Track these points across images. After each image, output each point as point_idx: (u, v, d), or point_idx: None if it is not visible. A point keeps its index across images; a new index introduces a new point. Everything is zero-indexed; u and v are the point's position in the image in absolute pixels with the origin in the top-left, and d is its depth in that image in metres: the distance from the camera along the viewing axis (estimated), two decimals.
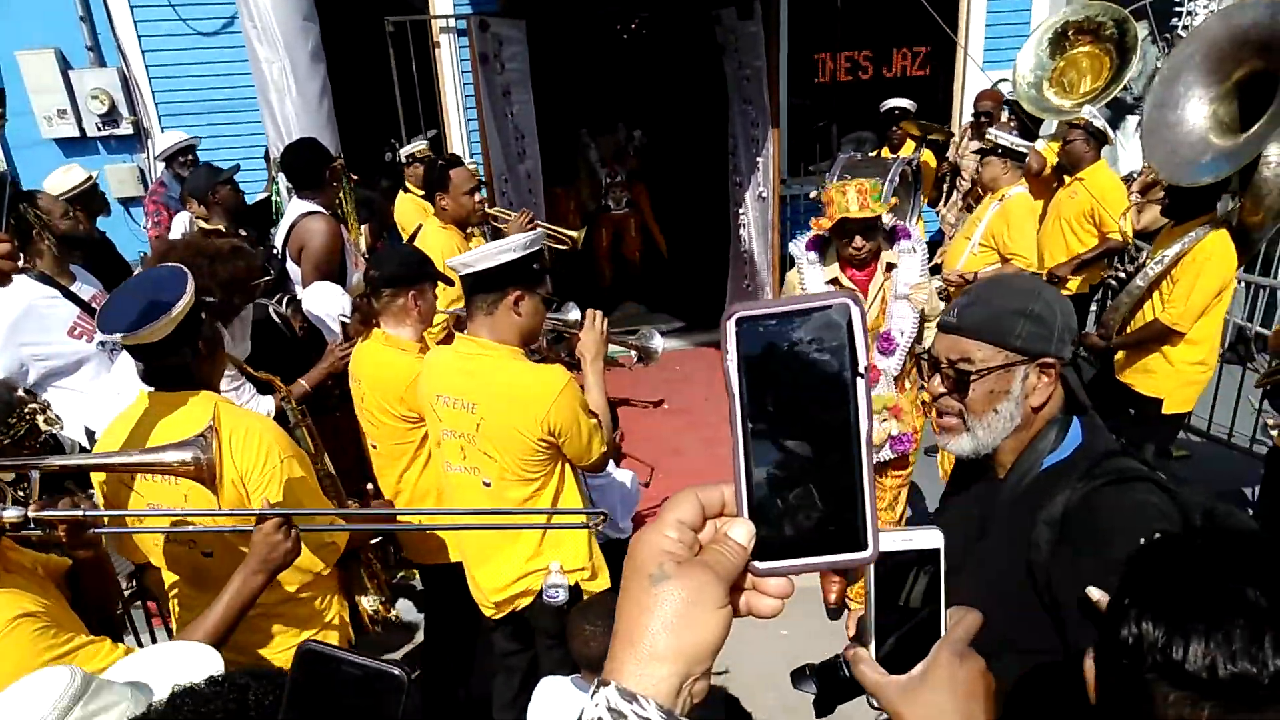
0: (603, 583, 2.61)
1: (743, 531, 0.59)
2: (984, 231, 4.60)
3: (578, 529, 2.53)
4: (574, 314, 2.97)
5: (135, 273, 2.84)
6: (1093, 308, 5.02)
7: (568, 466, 2.52)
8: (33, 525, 1.64)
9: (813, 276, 3.37)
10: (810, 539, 0.59)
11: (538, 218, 5.09)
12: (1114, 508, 1.38)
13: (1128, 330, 3.91)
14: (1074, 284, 4.76)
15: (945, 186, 6.23)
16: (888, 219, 3.34)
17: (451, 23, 6.35)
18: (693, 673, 0.57)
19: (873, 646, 0.78)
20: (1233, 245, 3.52)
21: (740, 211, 7.00)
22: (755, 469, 0.59)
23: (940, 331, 1.61)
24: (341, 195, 4.34)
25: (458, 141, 6.64)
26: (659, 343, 3.39)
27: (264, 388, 2.76)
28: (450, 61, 6.50)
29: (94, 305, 3.29)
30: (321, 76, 4.12)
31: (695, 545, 0.60)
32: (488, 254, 2.33)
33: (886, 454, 3.43)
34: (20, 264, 3.13)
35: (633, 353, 3.36)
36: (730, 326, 0.57)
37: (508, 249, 2.32)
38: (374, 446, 2.92)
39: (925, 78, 7.36)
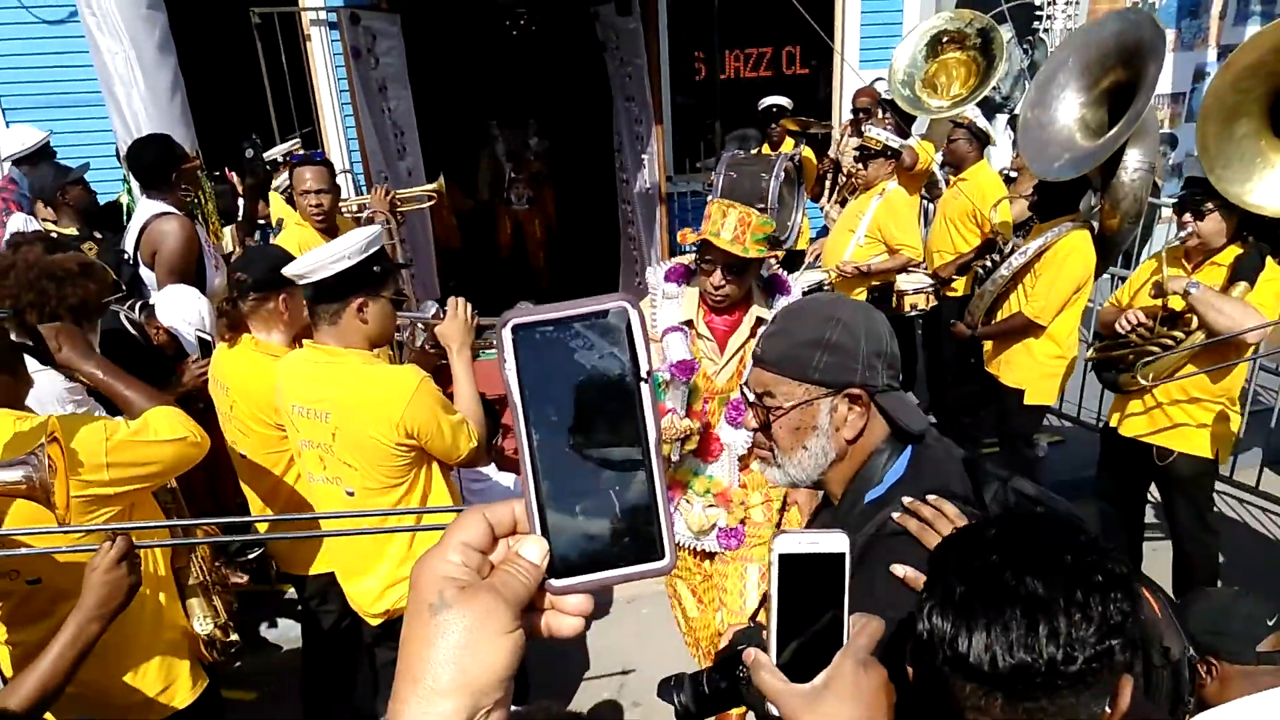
0: None
1: (535, 549, 0.55)
2: (869, 224, 4.70)
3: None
4: (432, 310, 2.86)
5: None
6: None
7: (435, 467, 2.43)
8: None
9: (666, 313, 2.69)
10: (606, 552, 0.56)
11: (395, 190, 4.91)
12: (880, 560, 1.32)
13: (993, 321, 4.06)
14: (959, 285, 4.91)
15: (827, 182, 6.36)
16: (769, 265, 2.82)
17: (322, 15, 6.11)
18: (481, 705, 0.52)
19: (773, 652, 0.76)
20: (1092, 244, 3.69)
21: (629, 208, 7.01)
22: (544, 482, 0.55)
23: (751, 363, 1.54)
24: (200, 195, 4.11)
25: (334, 139, 6.40)
26: (432, 308, 3.27)
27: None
28: (323, 56, 6.25)
29: None
30: (172, 68, 3.87)
31: (484, 567, 0.55)
32: (321, 262, 2.19)
33: (711, 544, 2.77)
34: None
35: (419, 326, 3.24)
36: (506, 334, 0.54)
37: (342, 255, 2.18)
38: (242, 456, 2.76)
39: (805, 76, 7.50)
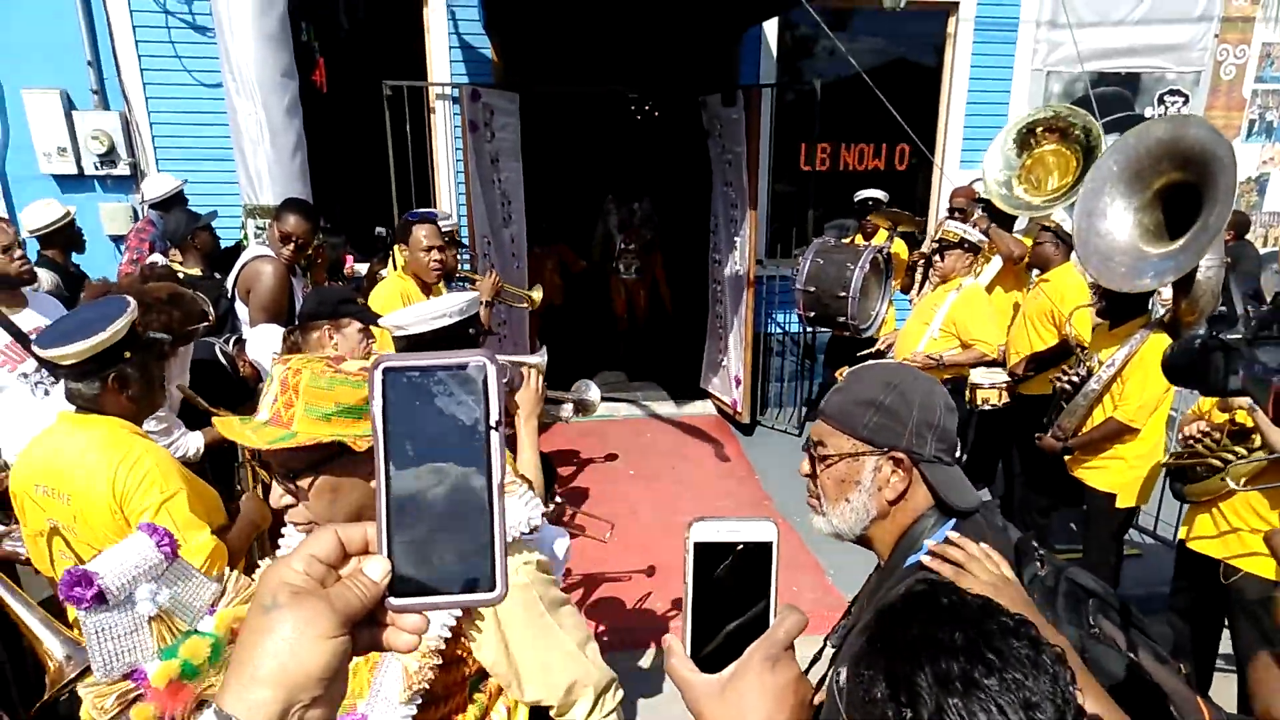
0: None
1: (377, 568, 0.61)
2: (944, 318, 4.71)
3: None
4: (541, 358, 3.00)
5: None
6: None
7: None
8: None
9: None
10: (445, 579, 0.62)
11: (510, 279, 5.18)
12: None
13: (1081, 431, 3.99)
14: (1036, 384, 4.84)
15: (917, 275, 6.38)
16: None
17: (448, 90, 6.57)
18: (297, 700, 0.57)
19: (688, 640, 0.75)
20: None
21: (718, 288, 7.16)
22: (395, 510, 0.61)
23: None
24: (315, 251, 4.45)
25: (447, 202, 6.80)
26: (595, 394, 3.43)
27: (198, 424, 2.82)
28: (444, 127, 6.71)
29: (33, 336, 3.25)
30: (296, 130, 4.25)
31: (328, 578, 0.61)
32: (421, 317, 2.34)
33: None
34: None
35: (570, 406, 3.39)
36: (377, 375, 0.60)
37: (443, 314, 2.34)
38: None
39: (905, 172, 7.61)
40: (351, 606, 0.60)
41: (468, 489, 0.61)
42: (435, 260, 4.13)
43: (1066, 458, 4.08)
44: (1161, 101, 7.41)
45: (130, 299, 2.19)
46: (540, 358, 3.00)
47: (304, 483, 1.32)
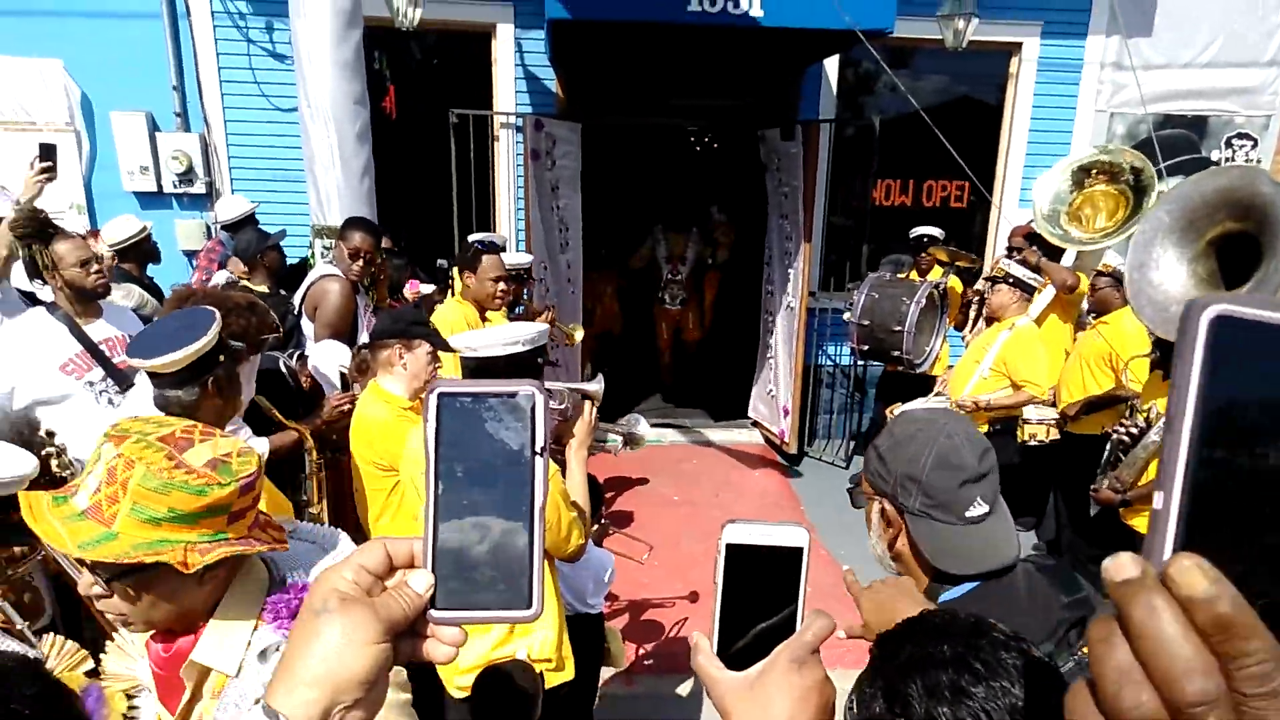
0: (567, 675, 2.60)
1: (421, 581, 0.64)
2: (995, 358, 4.68)
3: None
4: (598, 385, 3.05)
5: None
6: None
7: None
8: None
9: None
10: (484, 594, 0.65)
11: (565, 304, 5.29)
12: None
13: (1137, 484, 3.92)
14: (1086, 424, 4.77)
15: (971, 312, 6.34)
16: None
17: (512, 119, 6.75)
18: (340, 701, 0.61)
19: (715, 638, 0.76)
20: None
21: (770, 318, 7.19)
22: (442, 527, 0.64)
23: None
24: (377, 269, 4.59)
25: (506, 228, 6.96)
26: (645, 429, 3.49)
27: (262, 430, 2.93)
28: (506, 155, 6.88)
29: (105, 347, 3.41)
30: (366, 156, 4.41)
31: (375, 588, 0.65)
32: (494, 342, 2.38)
33: None
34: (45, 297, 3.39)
35: (619, 439, 3.44)
36: (432, 399, 0.64)
37: (515, 341, 2.38)
38: (356, 490, 3.06)
39: (962, 210, 7.58)
40: (395, 615, 0.63)
41: (511, 511, 0.64)
42: (501, 290, 4.25)
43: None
44: (1229, 145, 7.29)
45: (214, 309, 2.30)
46: (597, 385, 3.07)
47: (119, 585, 1.21)
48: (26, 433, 2.39)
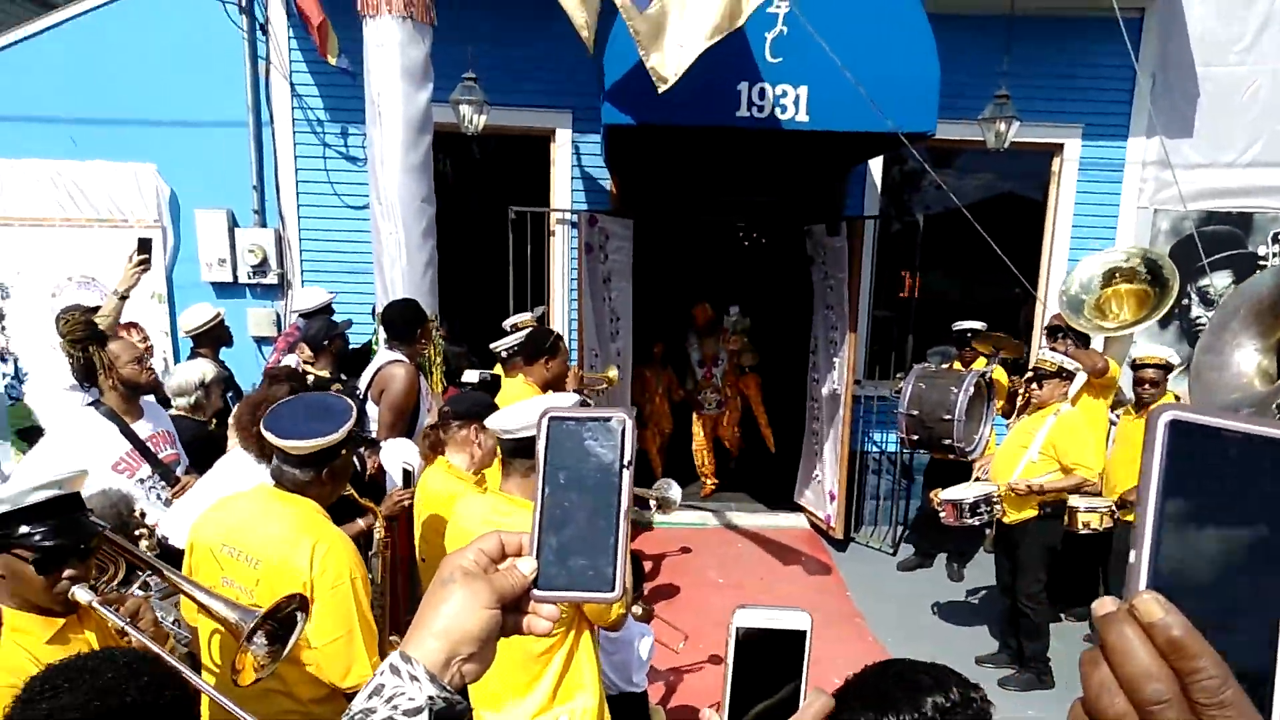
0: None
1: (527, 564, 0.80)
2: (1043, 442, 4.73)
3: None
4: (676, 492, 3.13)
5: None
6: None
7: (584, 625, 2.60)
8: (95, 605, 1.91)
9: None
10: (576, 578, 0.80)
11: (618, 391, 5.47)
12: None
13: None
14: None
15: (1019, 400, 6.38)
16: None
17: (568, 216, 7.08)
18: (459, 652, 0.77)
19: (725, 714, 0.84)
20: None
21: (815, 406, 7.29)
22: (546, 523, 0.80)
23: None
24: (432, 351, 4.83)
25: (558, 317, 7.22)
26: (676, 493, 3.59)
27: (342, 509, 3.10)
28: (561, 249, 7.19)
29: (150, 444, 3.55)
30: (430, 250, 4.71)
31: (490, 569, 0.81)
32: (528, 422, 2.46)
33: None
34: (94, 398, 3.52)
35: (653, 504, 3.55)
36: (544, 422, 0.81)
37: None
38: (423, 560, 3.20)
39: (1007, 302, 7.68)
40: (505, 589, 0.79)
41: (602, 511, 0.79)
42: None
43: None
44: (1276, 240, 7.33)
45: (351, 403, 2.49)
46: (676, 493, 3.17)
47: None
48: (125, 513, 2.59)
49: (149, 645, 1.80)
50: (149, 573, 2.32)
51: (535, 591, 0.80)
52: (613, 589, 0.79)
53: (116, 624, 1.90)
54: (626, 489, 0.80)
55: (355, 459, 3.74)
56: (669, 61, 4.29)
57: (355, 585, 2.34)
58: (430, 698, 0.74)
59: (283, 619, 1.99)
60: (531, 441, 2.49)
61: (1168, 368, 4.92)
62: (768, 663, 0.82)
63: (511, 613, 0.81)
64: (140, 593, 2.39)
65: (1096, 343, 5.69)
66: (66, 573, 1.88)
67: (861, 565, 6.76)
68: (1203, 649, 0.51)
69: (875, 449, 7.53)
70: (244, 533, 2.37)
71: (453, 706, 0.76)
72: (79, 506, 1.97)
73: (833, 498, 6.99)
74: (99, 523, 2.05)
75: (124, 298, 4.43)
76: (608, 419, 0.81)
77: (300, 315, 6.18)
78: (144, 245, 4.34)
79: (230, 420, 3.54)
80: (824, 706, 0.81)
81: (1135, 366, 5.03)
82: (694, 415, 7.98)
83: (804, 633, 0.81)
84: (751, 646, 0.82)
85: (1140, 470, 0.57)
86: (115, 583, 2.14)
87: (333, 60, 6.33)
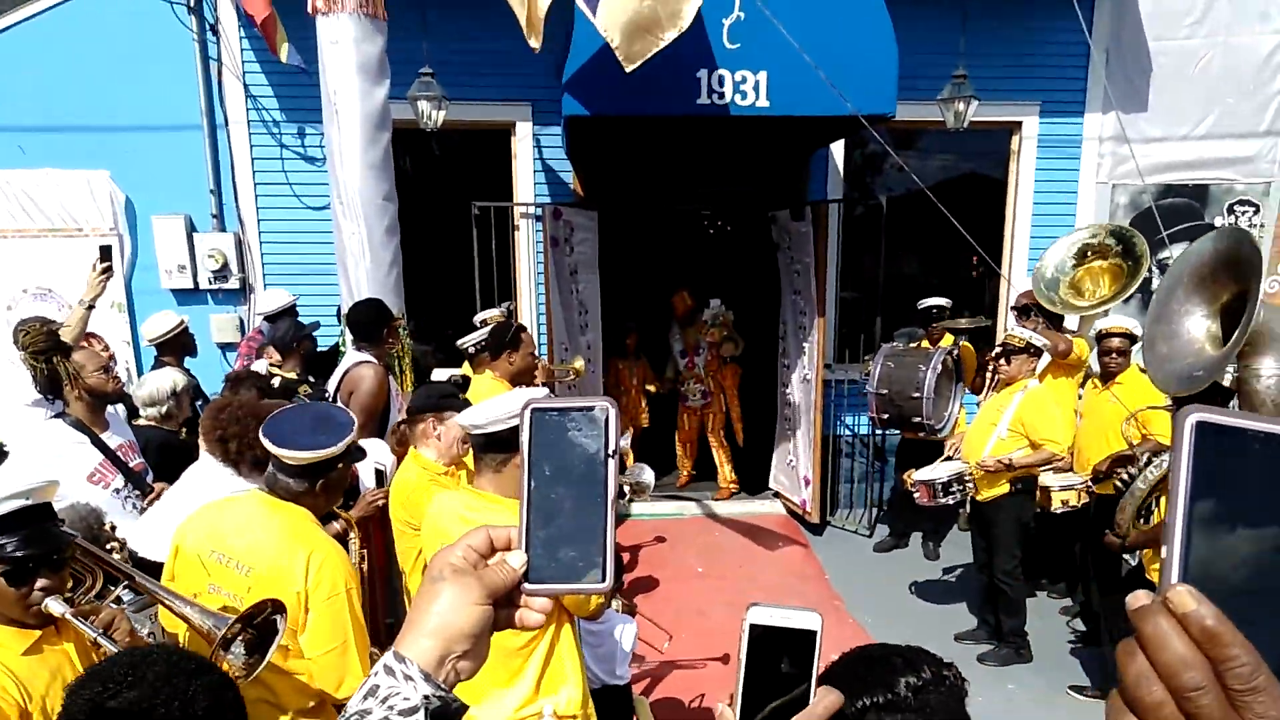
0: None
1: (516, 558, 0.80)
2: (1011, 419, 4.78)
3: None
4: (648, 475, 3.15)
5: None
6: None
7: (565, 615, 2.59)
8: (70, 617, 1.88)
9: None
10: (567, 570, 0.80)
11: (587, 383, 5.46)
12: None
13: (1144, 529, 3.98)
14: (1109, 485, 4.84)
15: (988, 374, 6.45)
16: None
17: (531, 210, 7.04)
18: (452, 650, 0.77)
19: (738, 710, 0.84)
20: None
21: (787, 391, 7.32)
22: (533, 516, 0.80)
23: None
24: (400, 350, 4.79)
25: (526, 312, 7.18)
26: (649, 477, 3.59)
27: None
28: (526, 243, 7.15)
29: (119, 454, 3.51)
30: (394, 248, 4.65)
31: (480, 564, 0.81)
32: (498, 416, 2.45)
33: None
34: (58, 410, 3.45)
35: (627, 489, 3.55)
36: (526, 413, 0.81)
37: (517, 412, 2.51)
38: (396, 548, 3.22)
39: (972, 279, 7.76)
40: (495, 584, 0.79)
41: (588, 501, 0.79)
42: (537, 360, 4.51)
43: (1147, 561, 4.05)
44: (1231, 211, 7.45)
45: (355, 417, 2.47)
46: (650, 477, 3.20)
47: None
48: (95, 526, 2.54)
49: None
50: (123, 585, 2.27)
51: (526, 585, 0.80)
52: (603, 579, 0.80)
53: (91, 635, 1.86)
54: (612, 477, 0.80)
55: None
56: (633, 46, 4.27)
57: (350, 596, 2.31)
58: (425, 697, 0.74)
59: (260, 625, 1.96)
60: (500, 436, 2.51)
61: (1132, 338, 4.98)
62: (779, 661, 0.83)
63: (503, 607, 0.81)
64: (114, 605, 2.35)
65: (1071, 322, 5.74)
66: (39, 584, 1.85)
67: (838, 548, 6.81)
68: (1235, 638, 0.54)
69: (848, 432, 7.57)
70: (235, 539, 2.33)
71: (448, 705, 0.76)
72: (49, 516, 1.93)
73: (807, 483, 7.03)
74: (70, 532, 2.00)
75: (90, 307, 4.40)
76: (591, 408, 0.80)
77: (264, 318, 6.10)
78: (105, 253, 4.29)
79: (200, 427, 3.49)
80: (833, 702, 0.83)
81: (1100, 337, 5.10)
82: (679, 406, 7.86)
83: (815, 633, 0.82)
84: (763, 644, 0.82)
85: (1169, 469, 0.61)
86: (93, 594, 2.09)
87: (283, 57, 6.22)
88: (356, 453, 2.47)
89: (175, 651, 1.52)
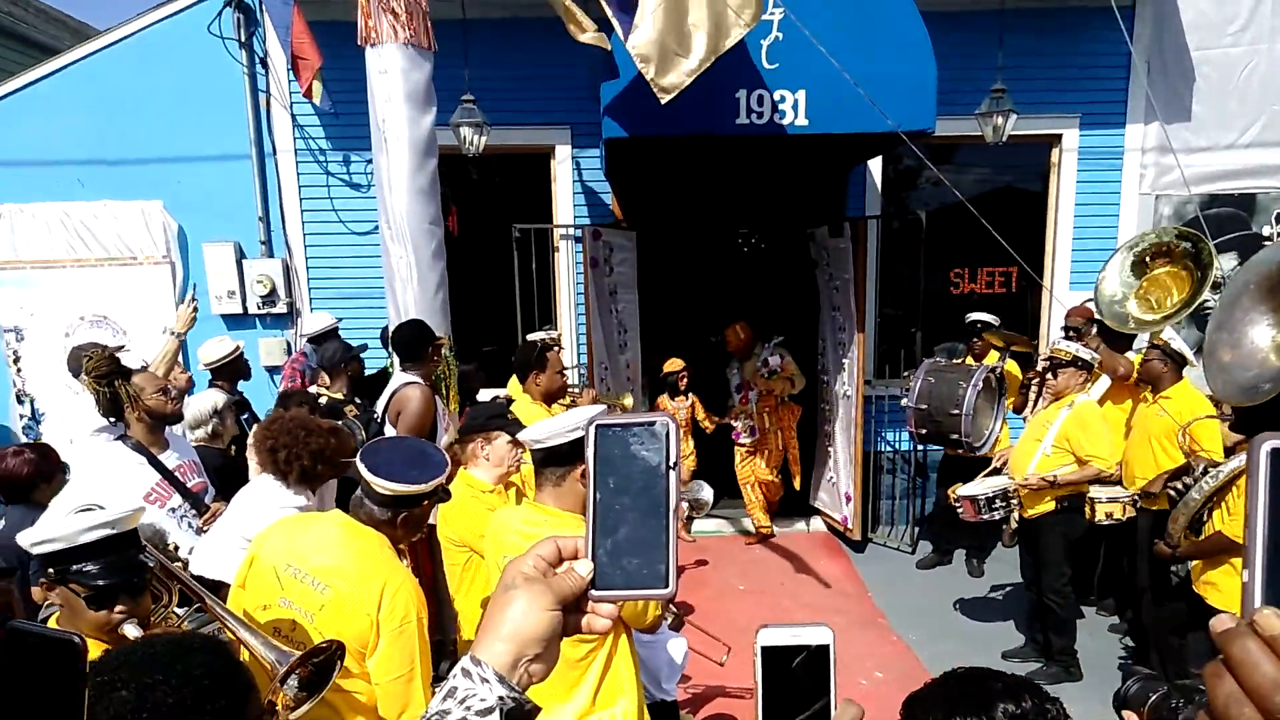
0: None
1: (584, 567, 0.84)
2: (1057, 435, 4.73)
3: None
4: (707, 493, 3.19)
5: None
6: None
7: (622, 627, 2.62)
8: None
9: None
10: (631, 577, 0.83)
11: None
12: None
13: (1195, 540, 3.92)
14: (1164, 499, 4.76)
15: (1031, 394, 6.38)
16: None
17: (571, 231, 7.12)
18: (525, 654, 0.81)
19: None
20: None
21: (826, 408, 7.30)
22: (599, 526, 0.84)
23: None
24: (446, 370, 4.87)
25: (566, 332, 7.25)
26: (708, 494, 3.61)
27: None
28: (566, 264, 7.23)
29: (178, 474, 3.60)
30: (440, 271, 4.73)
31: (549, 573, 0.85)
32: (557, 431, 2.52)
33: None
34: (118, 433, 3.55)
35: (686, 506, 3.57)
36: (591, 430, 0.85)
37: (577, 426, 2.51)
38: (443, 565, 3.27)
39: (1013, 294, 7.69)
40: (564, 590, 0.83)
41: (651, 511, 0.83)
42: (566, 379, 4.54)
43: (1196, 574, 3.99)
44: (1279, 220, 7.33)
45: (446, 458, 2.52)
46: (709, 494, 3.23)
47: None
48: (159, 547, 2.61)
49: None
50: (195, 607, 2.34)
51: (593, 592, 0.84)
52: (666, 585, 0.82)
53: None
54: (674, 489, 0.83)
55: None
56: (670, 76, 4.35)
57: (420, 625, 2.35)
58: (500, 698, 0.78)
59: (319, 664, 2.01)
60: (560, 450, 2.57)
61: (1173, 355, 4.86)
62: (796, 679, 0.84)
63: (571, 613, 0.85)
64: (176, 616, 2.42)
65: (1141, 340, 5.64)
66: (118, 609, 1.93)
67: (880, 565, 6.76)
68: None
69: (889, 448, 7.53)
70: (314, 557, 2.37)
71: (521, 706, 0.80)
72: (133, 543, 2.01)
73: (848, 499, 7.00)
74: (150, 558, 2.07)
75: (180, 336, 4.79)
76: (652, 423, 0.84)
77: (307, 340, 6.23)
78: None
79: (249, 443, 3.58)
80: (855, 715, 0.84)
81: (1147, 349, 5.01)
82: (735, 452, 7.21)
83: (827, 646, 0.84)
84: (778, 664, 0.84)
85: (1246, 495, 0.63)
86: (168, 609, 2.17)
87: (317, 99, 6.43)
88: (443, 493, 2.52)
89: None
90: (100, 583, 1.88)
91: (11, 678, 1.12)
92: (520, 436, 2.75)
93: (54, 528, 1.90)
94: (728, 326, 7.13)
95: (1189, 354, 4.88)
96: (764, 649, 0.84)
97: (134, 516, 2.03)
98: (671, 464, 0.83)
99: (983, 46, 6.62)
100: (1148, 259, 5.27)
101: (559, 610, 0.83)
